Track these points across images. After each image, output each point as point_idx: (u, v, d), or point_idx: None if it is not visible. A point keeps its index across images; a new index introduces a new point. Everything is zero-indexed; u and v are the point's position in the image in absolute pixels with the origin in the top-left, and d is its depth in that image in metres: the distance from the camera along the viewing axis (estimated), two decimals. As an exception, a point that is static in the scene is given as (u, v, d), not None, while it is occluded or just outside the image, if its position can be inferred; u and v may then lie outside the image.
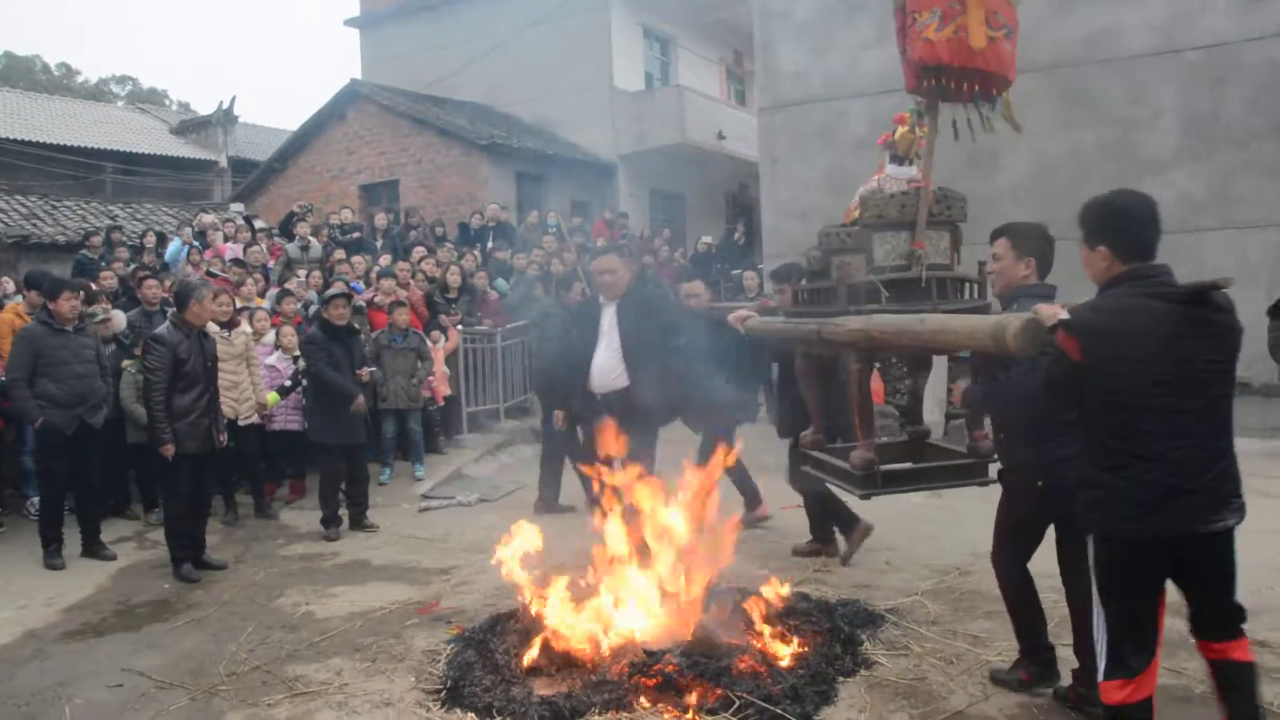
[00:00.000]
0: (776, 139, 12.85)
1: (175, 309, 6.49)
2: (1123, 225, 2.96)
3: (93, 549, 6.78)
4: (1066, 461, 3.22)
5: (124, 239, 12.01)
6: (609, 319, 5.88)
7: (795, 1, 12.44)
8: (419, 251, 10.87)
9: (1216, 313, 2.83)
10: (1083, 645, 3.51)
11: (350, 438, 7.31)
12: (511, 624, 4.56)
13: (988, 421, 4.19)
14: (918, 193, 4.15)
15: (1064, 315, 2.88)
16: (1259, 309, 9.33)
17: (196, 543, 6.40)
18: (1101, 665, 2.98)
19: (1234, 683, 3.02)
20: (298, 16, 77.70)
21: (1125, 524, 2.85)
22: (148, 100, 36.60)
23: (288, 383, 7.99)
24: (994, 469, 4.01)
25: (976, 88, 4.07)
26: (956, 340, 3.41)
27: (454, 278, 10.29)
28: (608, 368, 5.86)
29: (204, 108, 33.69)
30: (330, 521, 7.16)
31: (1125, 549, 2.89)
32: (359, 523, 7.35)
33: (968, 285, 4.26)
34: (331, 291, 8.10)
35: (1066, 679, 3.81)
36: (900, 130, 4.33)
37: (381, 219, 13.20)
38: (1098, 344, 2.83)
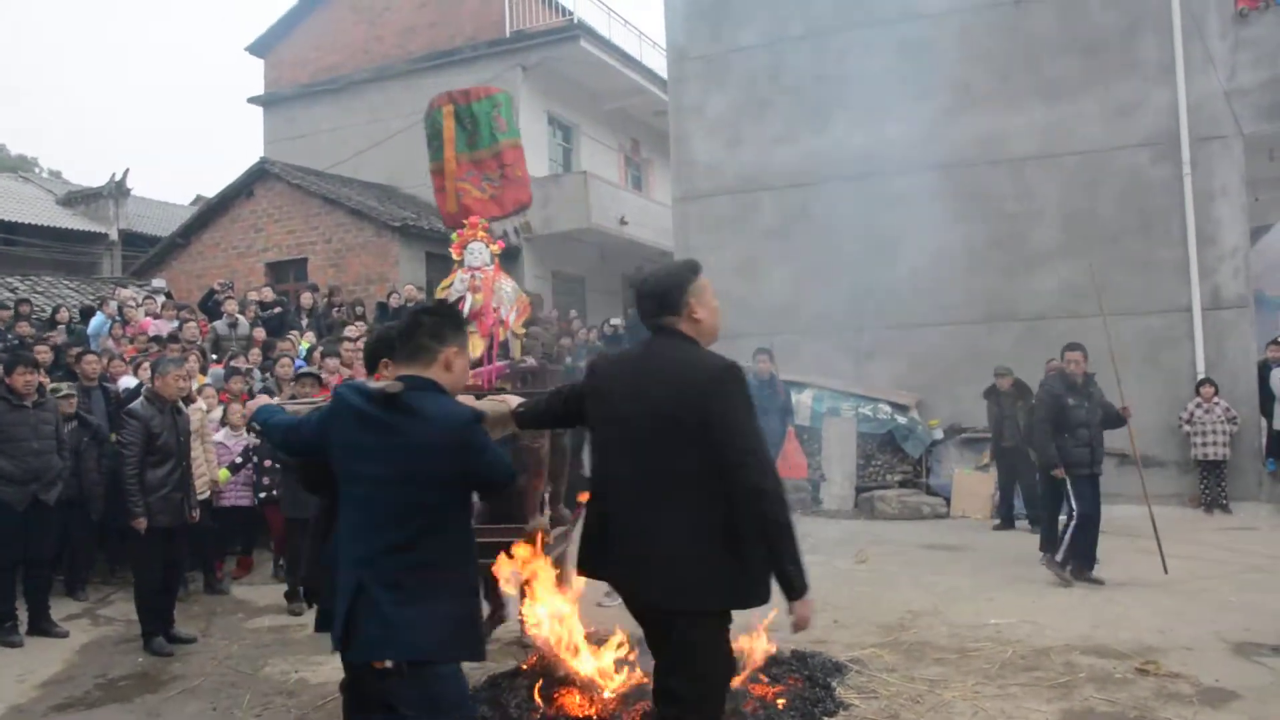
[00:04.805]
0: (690, 228, 13.64)
1: (149, 385, 6.64)
2: None
3: (42, 626, 6.73)
4: None
5: (30, 311, 11.85)
6: None
7: (707, 97, 13.37)
8: (355, 329, 11.06)
9: None
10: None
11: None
12: (516, 680, 4.88)
13: None
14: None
15: None
16: (1132, 388, 10.44)
17: (166, 617, 6.46)
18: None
19: None
20: (185, 90, 75.92)
21: None
22: (16, 168, 35.27)
23: (238, 459, 8.13)
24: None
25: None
26: None
27: (390, 356, 10.50)
28: None
29: (77, 177, 32.81)
30: (295, 595, 7.26)
31: None
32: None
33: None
34: (303, 370, 8.32)
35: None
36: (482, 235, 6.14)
37: (307, 298, 13.31)
38: None
